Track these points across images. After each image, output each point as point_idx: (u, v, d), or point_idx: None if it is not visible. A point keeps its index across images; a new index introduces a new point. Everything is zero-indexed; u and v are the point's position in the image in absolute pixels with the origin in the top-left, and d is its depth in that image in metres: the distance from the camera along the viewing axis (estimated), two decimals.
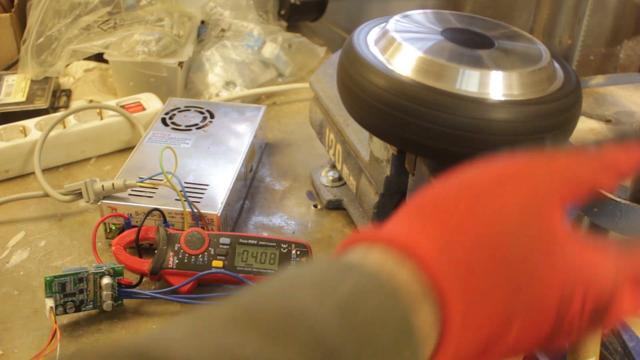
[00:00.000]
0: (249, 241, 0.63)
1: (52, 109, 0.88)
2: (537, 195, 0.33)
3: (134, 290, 0.60)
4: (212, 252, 0.61)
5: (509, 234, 0.32)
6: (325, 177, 0.78)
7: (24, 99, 0.87)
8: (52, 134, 0.78)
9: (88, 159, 0.83)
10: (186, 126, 0.79)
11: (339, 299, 0.28)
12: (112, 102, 0.84)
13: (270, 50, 1.00)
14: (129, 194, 0.67)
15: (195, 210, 0.64)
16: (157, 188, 0.67)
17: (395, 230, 0.33)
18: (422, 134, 0.49)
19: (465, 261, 0.31)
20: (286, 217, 0.74)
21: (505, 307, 0.31)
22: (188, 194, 0.66)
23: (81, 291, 0.57)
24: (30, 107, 0.86)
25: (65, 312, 0.57)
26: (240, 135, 0.78)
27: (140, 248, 0.63)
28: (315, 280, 0.30)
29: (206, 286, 0.63)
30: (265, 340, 0.25)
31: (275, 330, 0.26)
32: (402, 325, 0.29)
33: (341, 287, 0.29)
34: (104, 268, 0.58)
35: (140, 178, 0.67)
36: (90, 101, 0.92)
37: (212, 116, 0.81)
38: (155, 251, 0.61)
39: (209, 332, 0.26)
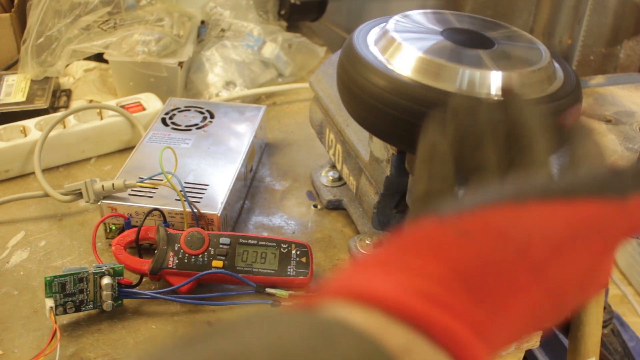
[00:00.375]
0: (249, 241, 0.63)
1: (52, 109, 0.88)
2: (605, 256, 0.30)
3: (134, 290, 0.60)
4: (212, 252, 0.61)
5: (565, 301, 0.29)
6: (325, 177, 0.78)
7: (24, 99, 0.87)
8: (52, 134, 0.78)
9: (88, 159, 0.83)
10: (186, 126, 0.79)
11: None
12: (112, 102, 0.84)
13: (270, 50, 1.00)
14: (129, 194, 0.67)
15: (195, 210, 0.65)
16: (157, 188, 0.67)
17: (441, 315, 0.25)
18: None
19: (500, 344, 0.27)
20: (286, 217, 0.74)
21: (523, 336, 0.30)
22: (188, 194, 0.66)
23: (81, 291, 0.57)
24: (30, 107, 0.86)
25: (65, 312, 0.57)
26: (240, 135, 0.78)
27: (140, 248, 0.63)
28: (283, 352, 0.23)
29: (206, 286, 0.63)
30: None
31: None
32: None
33: None
34: (104, 268, 0.58)
35: (140, 178, 0.67)
36: (90, 101, 0.92)
37: (212, 116, 0.81)
38: (155, 251, 0.61)
39: None
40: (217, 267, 0.61)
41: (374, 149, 0.63)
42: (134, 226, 0.64)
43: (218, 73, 0.95)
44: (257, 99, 0.98)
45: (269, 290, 0.60)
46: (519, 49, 0.54)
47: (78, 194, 0.68)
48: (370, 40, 0.55)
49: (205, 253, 0.61)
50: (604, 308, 0.66)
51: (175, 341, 0.24)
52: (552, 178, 0.32)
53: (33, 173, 0.78)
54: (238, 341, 0.23)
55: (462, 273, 0.26)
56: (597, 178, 0.30)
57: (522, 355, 0.65)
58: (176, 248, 0.61)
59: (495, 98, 0.48)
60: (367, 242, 0.68)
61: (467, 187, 0.35)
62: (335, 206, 0.75)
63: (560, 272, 0.28)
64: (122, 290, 0.59)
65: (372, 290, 0.26)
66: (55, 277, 0.56)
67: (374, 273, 0.27)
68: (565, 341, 0.67)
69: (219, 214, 0.65)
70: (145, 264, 0.61)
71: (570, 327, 0.64)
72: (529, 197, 0.29)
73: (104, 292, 0.58)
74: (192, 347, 0.23)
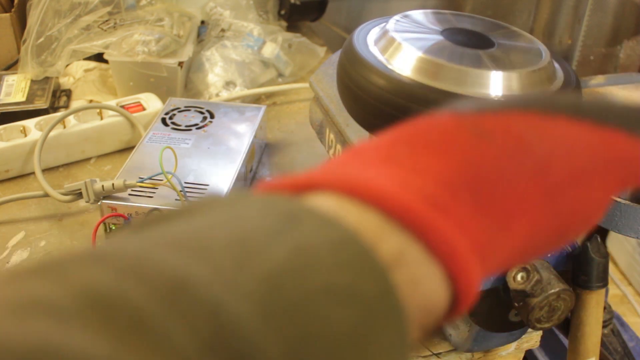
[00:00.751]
0: None
1: (52, 109, 0.88)
2: (614, 195, 0.28)
3: None
4: None
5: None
6: None
7: (24, 99, 0.87)
8: (52, 134, 0.78)
9: (88, 159, 0.82)
10: (186, 126, 0.79)
11: (266, 269, 0.18)
12: (112, 102, 0.84)
13: (270, 50, 1.00)
14: (129, 194, 0.67)
15: None
16: (157, 188, 0.67)
17: (422, 206, 0.22)
18: None
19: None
20: None
21: (522, 259, 0.28)
22: (188, 194, 0.66)
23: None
24: (30, 107, 0.86)
25: None
26: (240, 135, 0.78)
27: None
28: (240, 237, 0.19)
29: None
30: (121, 341, 0.16)
31: (144, 321, 0.16)
32: (386, 314, 0.20)
33: (276, 246, 0.19)
34: None
35: (140, 178, 0.67)
36: (90, 101, 0.92)
37: (212, 116, 0.81)
38: None
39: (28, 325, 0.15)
40: None
41: None
42: None
43: (218, 73, 0.95)
44: (257, 99, 0.98)
45: None
46: (519, 49, 0.54)
47: (78, 194, 0.68)
48: (370, 40, 0.55)
49: None
50: (604, 308, 0.66)
51: (129, 227, 0.21)
52: (587, 99, 0.29)
53: (33, 173, 0.78)
54: (194, 223, 0.20)
55: (472, 179, 0.24)
56: (633, 112, 0.28)
57: (522, 355, 0.65)
58: None
59: (496, 99, 0.48)
60: None
61: None
62: None
63: (573, 201, 0.26)
64: None
65: (362, 181, 0.22)
66: None
67: (368, 164, 0.24)
68: (565, 341, 0.67)
69: None
70: None
71: (570, 327, 0.64)
72: (560, 111, 0.26)
73: None
74: (144, 232, 0.20)
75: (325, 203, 0.22)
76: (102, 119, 0.83)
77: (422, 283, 0.22)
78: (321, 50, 1.07)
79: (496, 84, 0.49)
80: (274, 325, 0.18)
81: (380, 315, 0.20)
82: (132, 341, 0.16)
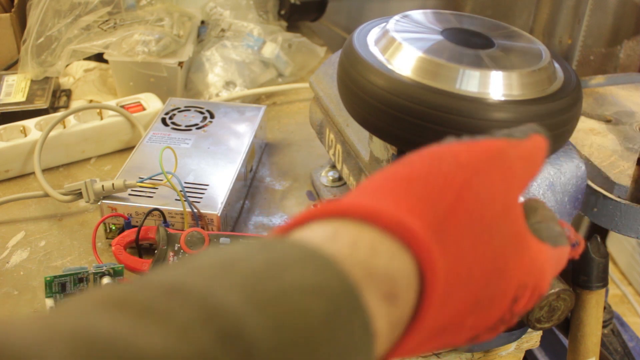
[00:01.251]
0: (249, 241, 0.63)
1: (52, 109, 0.88)
2: (514, 185, 0.34)
3: None
4: None
5: (494, 225, 0.32)
6: (325, 177, 0.78)
7: (24, 99, 0.87)
8: (52, 134, 0.78)
9: (88, 159, 0.83)
10: (186, 126, 0.79)
11: (246, 272, 0.24)
12: (112, 102, 0.84)
13: (270, 50, 1.00)
14: (129, 194, 0.67)
15: (195, 210, 0.65)
16: (157, 188, 0.67)
17: (369, 202, 0.30)
18: (422, 134, 0.49)
19: (454, 246, 0.30)
20: (286, 217, 0.74)
21: (474, 297, 0.31)
22: (188, 194, 0.66)
23: (81, 291, 0.57)
24: (30, 107, 0.86)
25: None
26: (240, 135, 0.78)
27: (140, 248, 0.63)
28: (225, 258, 0.26)
29: None
30: (137, 319, 0.21)
31: (151, 307, 0.22)
32: (345, 304, 0.25)
33: (253, 259, 0.25)
34: (104, 268, 0.58)
35: (140, 178, 0.67)
36: (90, 101, 0.92)
37: (212, 116, 0.81)
38: (155, 251, 0.61)
39: (68, 315, 0.22)
40: None
41: (374, 149, 0.63)
42: (134, 226, 0.64)
43: (218, 73, 0.95)
44: (257, 99, 0.98)
45: None
46: (519, 49, 0.54)
47: (78, 194, 0.68)
48: (370, 40, 0.55)
49: None
50: (604, 308, 0.66)
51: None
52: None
53: (33, 173, 0.78)
54: (193, 263, 0.26)
55: (406, 183, 0.31)
56: (512, 129, 0.36)
57: (522, 355, 0.65)
58: (176, 248, 0.61)
59: (495, 99, 0.48)
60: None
61: None
62: None
63: (485, 186, 0.32)
64: None
65: (325, 208, 0.29)
66: (55, 277, 0.56)
67: (363, 196, 0.31)
68: (565, 341, 0.67)
69: (219, 214, 0.65)
70: (145, 264, 0.61)
71: (570, 327, 0.64)
72: (450, 140, 0.35)
73: None
74: (164, 270, 0.26)
75: (297, 234, 0.29)
76: (102, 119, 0.83)
77: (379, 254, 0.28)
78: (321, 50, 1.07)
79: (496, 84, 0.49)
80: (257, 307, 0.23)
81: (345, 307, 0.25)
82: (145, 319, 0.21)
